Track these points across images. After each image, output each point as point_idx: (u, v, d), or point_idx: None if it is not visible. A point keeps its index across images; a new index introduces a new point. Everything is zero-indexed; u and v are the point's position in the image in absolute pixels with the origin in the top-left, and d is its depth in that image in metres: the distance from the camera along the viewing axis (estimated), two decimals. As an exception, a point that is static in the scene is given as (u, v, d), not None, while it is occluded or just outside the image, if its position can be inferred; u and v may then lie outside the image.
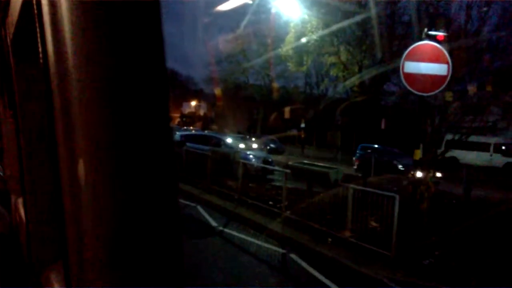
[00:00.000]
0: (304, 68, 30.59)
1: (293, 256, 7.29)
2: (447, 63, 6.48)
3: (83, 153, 0.50)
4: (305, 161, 10.49)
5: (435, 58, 6.51)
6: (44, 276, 1.25)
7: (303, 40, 26.93)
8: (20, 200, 1.70)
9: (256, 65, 38.22)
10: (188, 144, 14.90)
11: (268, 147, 30.25)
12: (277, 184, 13.39)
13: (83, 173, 0.50)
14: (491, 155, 25.62)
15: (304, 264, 6.88)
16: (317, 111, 36.57)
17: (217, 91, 42.62)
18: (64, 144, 0.55)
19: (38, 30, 0.66)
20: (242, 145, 19.80)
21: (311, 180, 8.59)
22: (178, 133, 16.91)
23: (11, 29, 1.31)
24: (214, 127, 42.16)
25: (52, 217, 1.32)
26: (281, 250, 7.59)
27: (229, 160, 12.49)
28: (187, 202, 11.06)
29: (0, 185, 2.44)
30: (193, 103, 54.18)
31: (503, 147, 25.11)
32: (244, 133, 34.64)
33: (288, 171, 9.38)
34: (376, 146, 24.34)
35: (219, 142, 16.08)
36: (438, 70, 6.48)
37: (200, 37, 48.92)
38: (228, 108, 43.49)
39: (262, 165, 14.17)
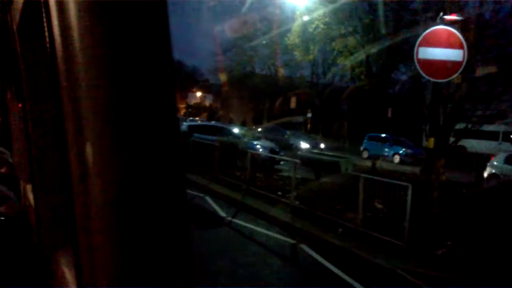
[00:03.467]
0: (311, 57, 30.34)
1: (303, 246, 7.20)
2: (463, 48, 6.29)
3: (91, 137, 0.50)
4: (315, 151, 10.35)
5: (451, 44, 6.32)
6: (53, 259, 1.27)
7: (310, 28, 26.63)
8: (29, 186, 1.72)
9: (262, 54, 37.91)
10: (195, 134, 14.81)
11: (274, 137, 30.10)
12: (285, 174, 13.29)
13: (91, 157, 0.50)
14: (500, 144, 25.33)
15: (315, 255, 6.79)
16: (323, 101, 36.33)
17: (223, 81, 42.46)
18: (71, 128, 0.55)
19: (44, 14, 0.65)
20: (248, 135, 19.67)
21: (322, 170, 8.47)
22: (185, 124, 16.81)
23: (17, 15, 1.29)
24: (221, 114, 42.13)
25: (61, 201, 1.33)
26: (291, 241, 7.51)
27: (237, 150, 12.39)
28: (195, 192, 10.99)
29: (9, 171, 2.45)
30: (199, 93, 54.00)
31: (512, 136, 24.83)
32: (246, 124, 34.44)
33: (297, 161, 9.26)
34: (383, 135, 24.09)
35: (227, 133, 15.97)
36: (453, 55, 6.29)
37: (206, 28, 48.58)
38: (233, 98, 43.32)
39: (269, 155, 14.05)
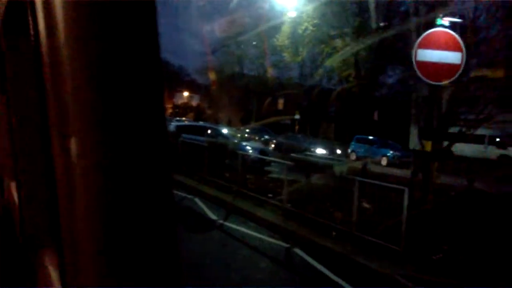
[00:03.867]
0: (299, 58, 30.36)
1: (297, 250, 7.05)
2: (461, 51, 6.24)
3: (75, 133, 0.50)
4: (307, 153, 10.23)
5: (449, 46, 6.26)
6: (37, 258, 1.26)
7: (299, 30, 26.61)
8: (13, 184, 1.70)
9: (250, 54, 37.71)
10: (183, 135, 14.58)
11: (262, 138, 30.03)
12: (275, 176, 13.15)
13: (75, 154, 0.50)
14: (485, 147, 25.64)
15: (309, 259, 6.65)
16: (310, 102, 36.29)
17: (211, 81, 42.18)
18: (56, 124, 0.55)
19: (29, 8, 0.64)
20: (236, 136, 19.48)
21: (315, 173, 8.34)
22: (173, 124, 16.55)
23: (1, 10, 1.26)
24: (208, 115, 41.79)
25: (45, 199, 1.27)
26: (284, 244, 7.36)
27: (227, 151, 12.20)
28: (184, 194, 10.78)
29: None
30: (186, 93, 53.59)
31: (497, 139, 25.11)
32: (232, 124, 34.19)
33: (289, 163, 9.12)
34: (371, 137, 24.19)
35: (215, 133, 15.77)
36: (452, 58, 6.23)
37: (192, 27, 48.23)
38: (221, 98, 43.09)
39: (260, 156, 13.89)
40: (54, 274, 1.00)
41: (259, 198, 9.91)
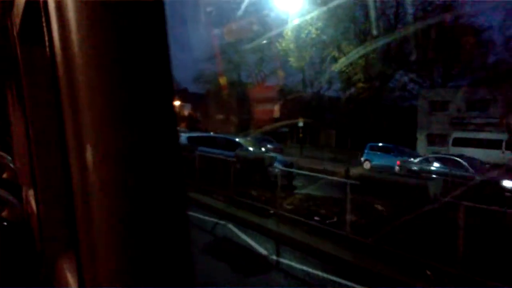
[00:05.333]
0: (302, 64, 28.86)
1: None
2: None
3: (91, 141, 0.50)
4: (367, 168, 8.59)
5: None
6: (55, 264, 1.26)
7: (303, 34, 25.13)
8: (31, 192, 1.77)
9: (248, 61, 36.00)
10: (200, 148, 12.85)
11: (264, 147, 28.33)
12: (309, 192, 11.49)
13: (91, 161, 0.50)
14: (503, 152, 24.44)
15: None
16: (311, 110, 34.76)
17: (204, 89, 40.48)
18: (72, 132, 0.55)
19: (43, 19, 0.66)
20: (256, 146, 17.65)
21: (399, 197, 6.62)
22: (183, 135, 14.81)
23: (17, 20, 1.28)
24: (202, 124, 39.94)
25: (63, 206, 1.30)
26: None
27: (260, 166, 10.47)
28: (214, 219, 9.06)
29: (11, 177, 2.38)
30: (177, 102, 51.89)
31: (515, 144, 23.97)
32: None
33: (351, 181, 7.43)
34: (387, 145, 22.73)
35: (233, 145, 14.03)
36: None
37: (186, 33, 46.60)
38: (215, 107, 41.52)
39: (288, 169, 12.17)
40: (72, 280, 0.99)
41: (308, 224, 8.22)
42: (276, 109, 38.30)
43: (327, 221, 8.33)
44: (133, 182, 0.48)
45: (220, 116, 42.66)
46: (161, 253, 0.50)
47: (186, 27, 39.70)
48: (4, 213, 1.78)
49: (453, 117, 29.21)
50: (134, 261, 0.49)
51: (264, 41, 29.83)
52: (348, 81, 27.39)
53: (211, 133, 19.65)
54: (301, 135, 31.73)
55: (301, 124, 32.25)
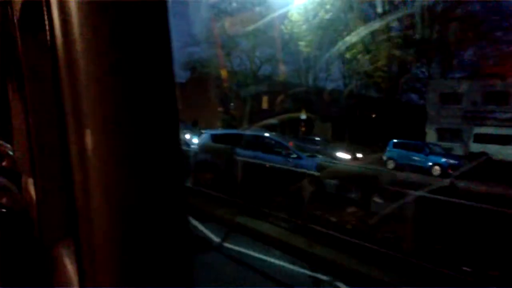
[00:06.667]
0: (309, 49, 25.86)
1: None
2: None
3: (91, 130, 0.50)
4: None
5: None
6: (54, 253, 1.26)
7: (318, 16, 22.13)
8: (30, 180, 1.73)
9: (241, 47, 32.38)
10: (238, 152, 9.76)
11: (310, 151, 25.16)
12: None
13: (90, 150, 0.50)
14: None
15: None
16: (312, 102, 31.94)
17: (188, 78, 36.98)
18: (72, 121, 0.55)
19: (44, 7, 0.64)
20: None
21: None
22: (206, 133, 11.62)
23: (17, 8, 1.25)
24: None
25: (62, 194, 1.30)
26: None
27: (368, 188, 7.41)
28: (309, 272, 5.91)
29: (11, 165, 2.40)
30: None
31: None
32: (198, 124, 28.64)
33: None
34: (416, 142, 20.29)
35: (275, 146, 10.94)
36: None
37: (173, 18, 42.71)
38: (201, 97, 37.90)
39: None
40: (71, 269, 0.96)
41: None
42: (264, 99, 35.49)
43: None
44: (134, 171, 0.48)
45: (204, 107, 38.96)
46: (161, 243, 0.49)
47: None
48: (3, 200, 1.73)
49: (466, 110, 27.20)
50: (134, 251, 0.48)
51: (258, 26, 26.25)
52: (368, 78, 24.43)
53: (235, 130, 16.42)
54: (303, 128, 28.84)
55: (303, 116, 29.32)
